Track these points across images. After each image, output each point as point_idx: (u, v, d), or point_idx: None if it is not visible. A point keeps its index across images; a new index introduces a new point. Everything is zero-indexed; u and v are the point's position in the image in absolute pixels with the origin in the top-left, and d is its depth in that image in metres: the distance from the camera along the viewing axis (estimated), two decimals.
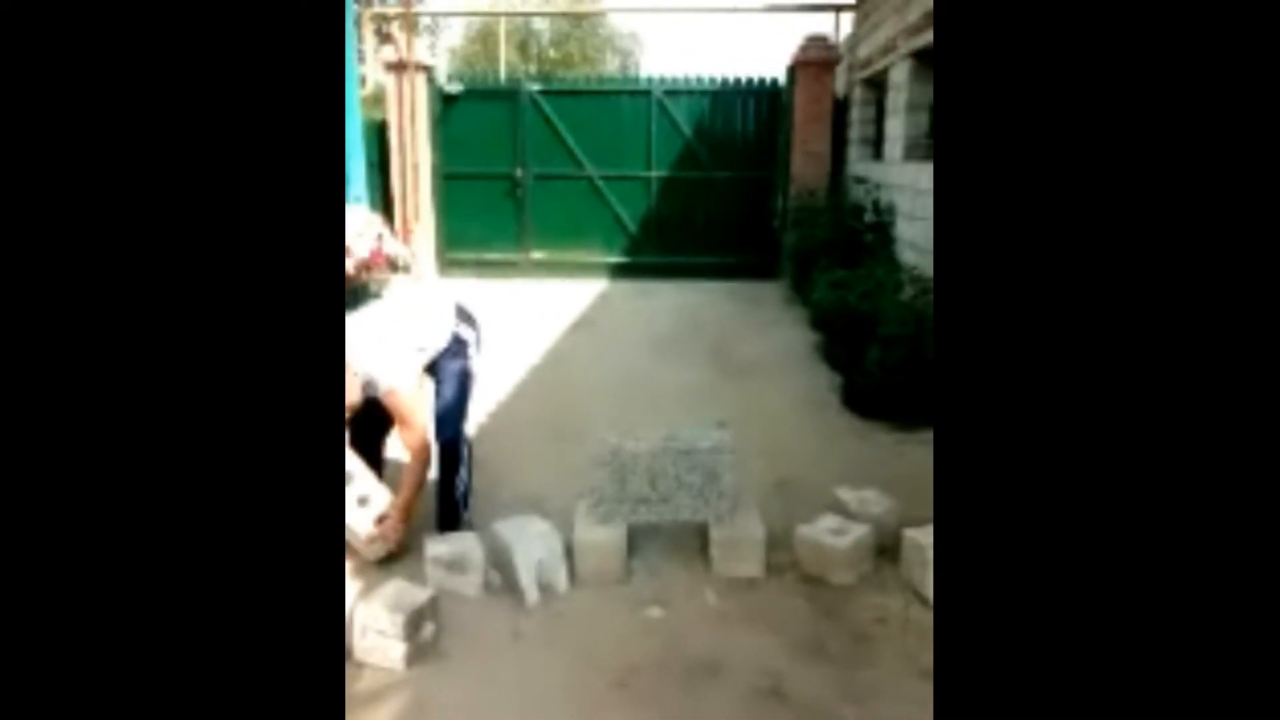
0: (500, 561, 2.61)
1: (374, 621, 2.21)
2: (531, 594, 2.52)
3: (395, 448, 3.00)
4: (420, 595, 2.30)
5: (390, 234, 7.89)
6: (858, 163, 7.74)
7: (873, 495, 2.98)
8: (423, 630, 2.27)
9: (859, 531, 2.69)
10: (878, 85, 7.38)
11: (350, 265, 5.68)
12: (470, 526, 2.88)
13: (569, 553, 2.63)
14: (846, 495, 2.98)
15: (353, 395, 2.59)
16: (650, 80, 8.62)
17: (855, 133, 7.93)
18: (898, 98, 6.20)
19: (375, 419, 2.85)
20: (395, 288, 5.05)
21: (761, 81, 8.38)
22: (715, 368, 5.30)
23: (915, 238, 5.42)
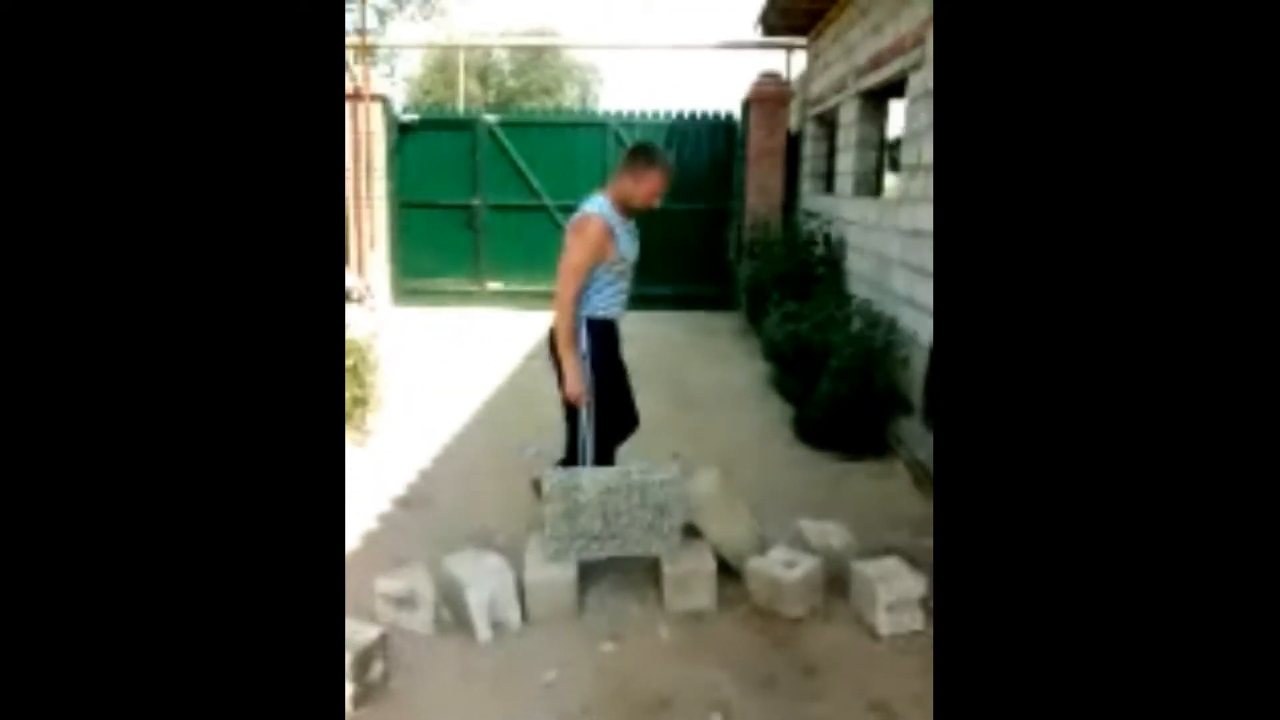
0: (452, 598, 2.58)
1: None
2: (483, 631, 2.51)
3: None
4: (369, 633, 2.27)
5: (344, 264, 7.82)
6: (810, 196, 7.92)
7: (833, 527, 3.02)
8: (372, 669, 2.24)
9: (809, 564, 2.73)
10: (829, 122, 7.58)
11: None
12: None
13: (521, 588, 2.62)
14: (808, 527, 3.01)
15: None
16: (606, 114, 8.74)
17: (808, 167, 8.11)
18: (847, 135, 6.37)
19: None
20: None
21: (716, 116, 8.55)
22: (671, 398, 5.34)
23: (864, 271, 5.56)
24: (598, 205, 2.86)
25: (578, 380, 2.88)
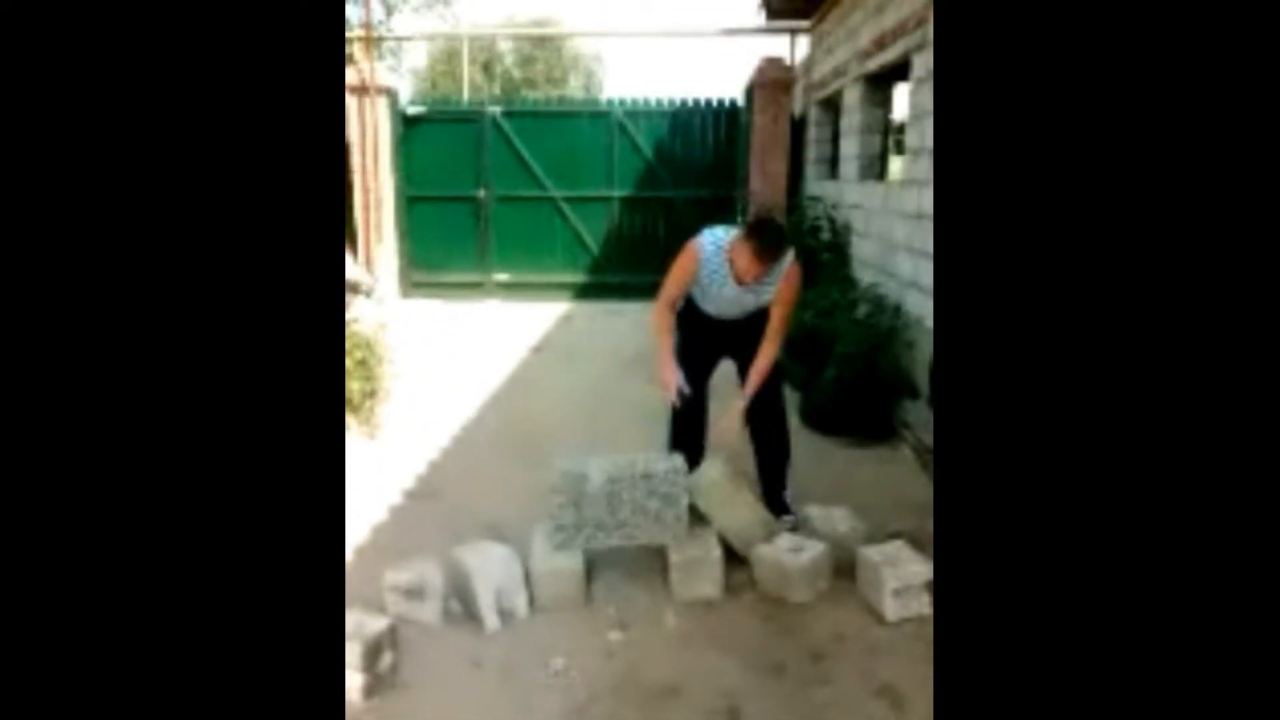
0: (460, 588, 2.61)
1: None
2: (491, 621, 2.53)
3: None
4: (378, 624, 2.29)
5: (351, 258, 7.86)
6: (815, 182, 7.88)
7: (840, 513, 3.03)
8: (381, 660, 2.26)
9: (816, 550, 2.74)
10: (833, 106, 7.53)
11: None
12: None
13: (528, 578, 2.64)
14: (815, 512, 3.03)
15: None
16: (610, 102, 8.70)
17: (812, 152, 8.07)
18: (851, 119, 6.33)
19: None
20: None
21: (720, 103, 8.50)
22: None
23: (870, 256, 5.53)
24: (709, 237, 2.98)
25: (663, 372, 3.05)
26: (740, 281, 2.88)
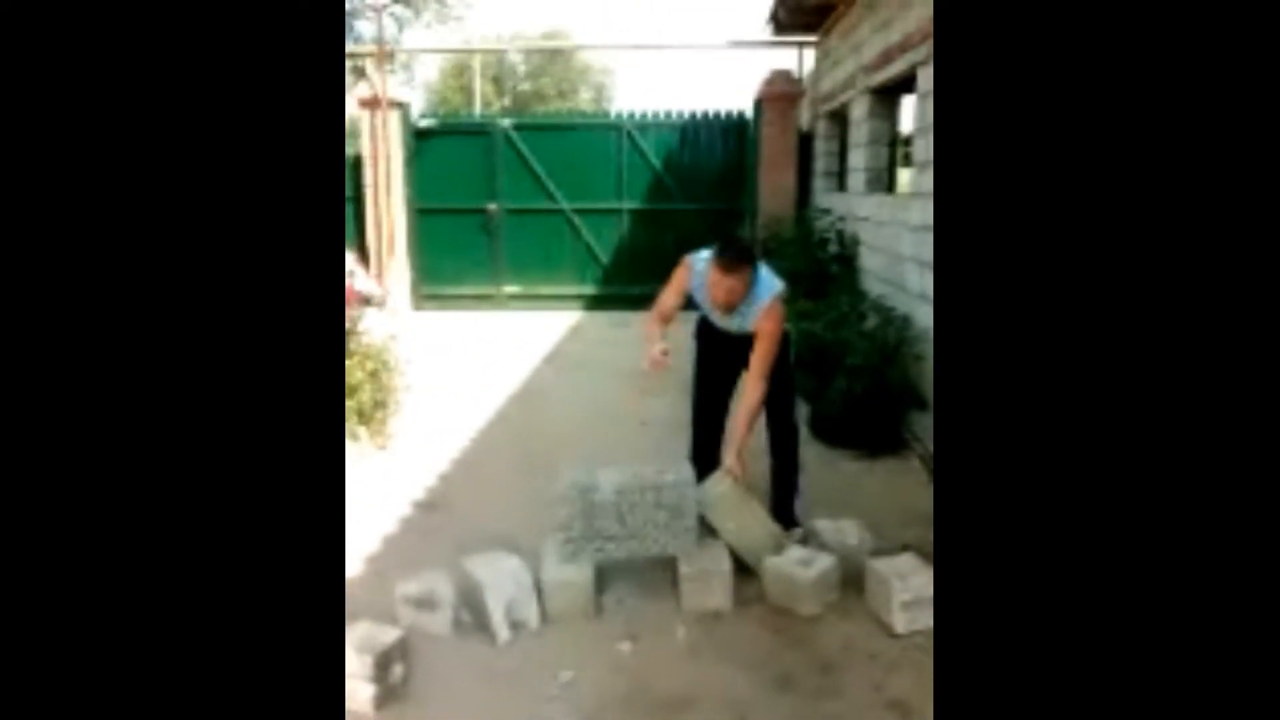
0: (471, 599, 2.62)
1: None
2: (502, 632, 2.54)
3: None
4: (389, 635, 2.31)
5: (363, 271, 7.92)
6: (823, 194, 7.90)
7: (849, 525, 3.03)
8: (392, 671, 2.27)
9: (825, 563, 2.74)
10: (840, 119, 7.56)
11: None
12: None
13: (538, 589, 2.65)
14: (824, 525, 3.03)
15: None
16: (620, 115, 8.76)
17: (820, 165, 8.10)
18: (858, 132, 6.36)
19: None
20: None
21: (729, 115, 8.55)
22: (688, 398, 5.35)
23: (878, 268, 5.54)
24: (702, 254, 3.02)
25: (648, 349, 3.07)
26: (716, 304, 2.95)
